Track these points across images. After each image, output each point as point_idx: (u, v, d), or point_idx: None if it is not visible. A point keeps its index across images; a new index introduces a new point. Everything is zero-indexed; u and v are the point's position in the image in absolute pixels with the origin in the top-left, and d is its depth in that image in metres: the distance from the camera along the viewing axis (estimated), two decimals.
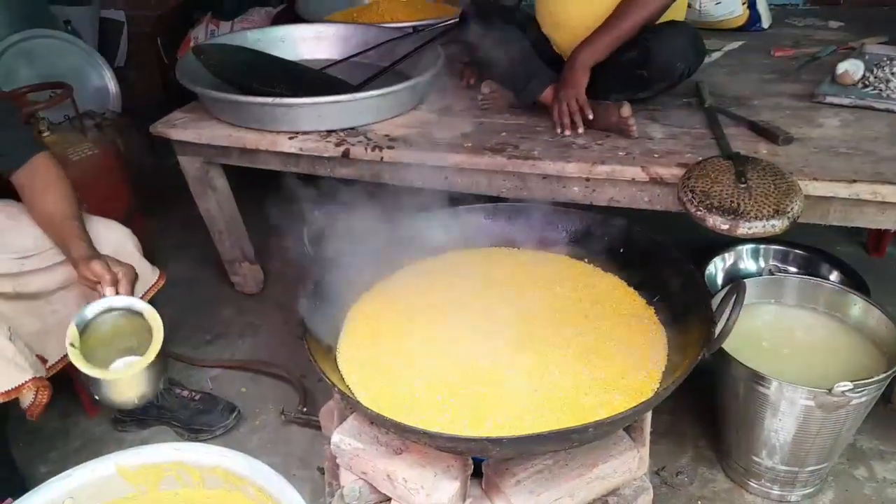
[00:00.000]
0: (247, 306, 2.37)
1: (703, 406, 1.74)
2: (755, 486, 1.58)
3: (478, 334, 1.32)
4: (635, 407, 1.07)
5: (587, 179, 1.67)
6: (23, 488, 1.31)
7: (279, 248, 2.60)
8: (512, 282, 1.47)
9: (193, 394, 1.83)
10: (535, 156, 1.70)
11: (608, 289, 1.45)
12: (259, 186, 2.59)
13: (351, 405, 1.14)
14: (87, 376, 1.30)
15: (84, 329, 1.30)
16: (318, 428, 1.82)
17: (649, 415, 1.34)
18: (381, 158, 1.78)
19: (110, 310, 1.33)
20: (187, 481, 1.30)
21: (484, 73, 2.02)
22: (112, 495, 1.28)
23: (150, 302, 1.65)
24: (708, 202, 1.50)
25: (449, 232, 1.56)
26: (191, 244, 2.61)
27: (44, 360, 1.50)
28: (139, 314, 1.34)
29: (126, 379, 1.33)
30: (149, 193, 2.56)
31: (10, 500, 1.45)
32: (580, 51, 1.82)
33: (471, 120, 1.94)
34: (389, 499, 1.25)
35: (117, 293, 1.34)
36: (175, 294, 1.79)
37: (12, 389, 1.34)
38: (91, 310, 1.31)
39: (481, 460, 1.23)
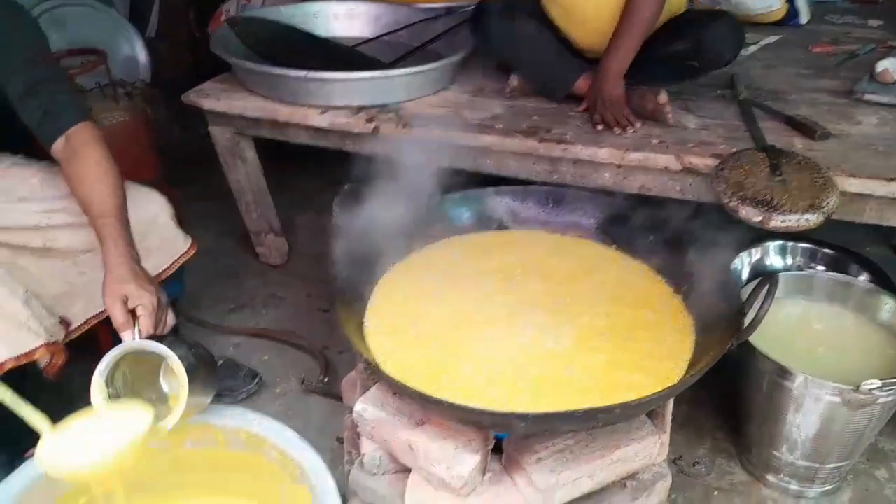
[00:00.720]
0: (270, 278, 2.39)
1: (723, 398, 1.74)
2: (773, 480, 1.58)
3: (505, 312, 1.32)
4: (662, 391, 1.07)
5: (619, 166, 1.67)
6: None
7: (304, 222, 2.65)
8: (540, 264, 1.47)
9: (217, 359, 1.85)
10: (566, 140, 1.69)
11: (636, 275, 1.45)
12: (287, 160, 2.63)
13: (376, 374, 1.15)
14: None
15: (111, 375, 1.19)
16: (338, 399, 1.83)
17: (672, 402, 1.34)
18: (411, 136, 1.78)
19: (131, 355, 1.20)
20: (209, 441, 1.32)
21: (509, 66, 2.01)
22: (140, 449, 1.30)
23: (180, 270, 1.67)
24: (741, 193, 1.48)
25: (478, 212, 1.56)
26: (215, 215, 2.63)
27: (67, 323, 1.51)
28: None
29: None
30: (175, 164, 2.59)
31: (32, 450, 1.48)
32: (609, 62, 1.79)
33: (502, 102, 1.94)
34: (409, 469, 1.27)
35: (137, 328, 1.22)
36: (199, 263, 1.80)
37: (23, 355, 1.33)
38: (108, 361, 1.18)
39: (501, 437, 1.23)
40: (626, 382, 1.16)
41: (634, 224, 1.51)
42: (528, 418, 1.00)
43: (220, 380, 1.81)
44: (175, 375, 1.17)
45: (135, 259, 1.31)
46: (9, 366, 1.30)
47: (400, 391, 1.11)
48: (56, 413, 1.77)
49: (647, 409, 1.19)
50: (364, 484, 1.34)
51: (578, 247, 1.54)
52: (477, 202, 1.56)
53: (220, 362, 1.86)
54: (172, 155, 2.55)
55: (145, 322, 1.21)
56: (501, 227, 1.57)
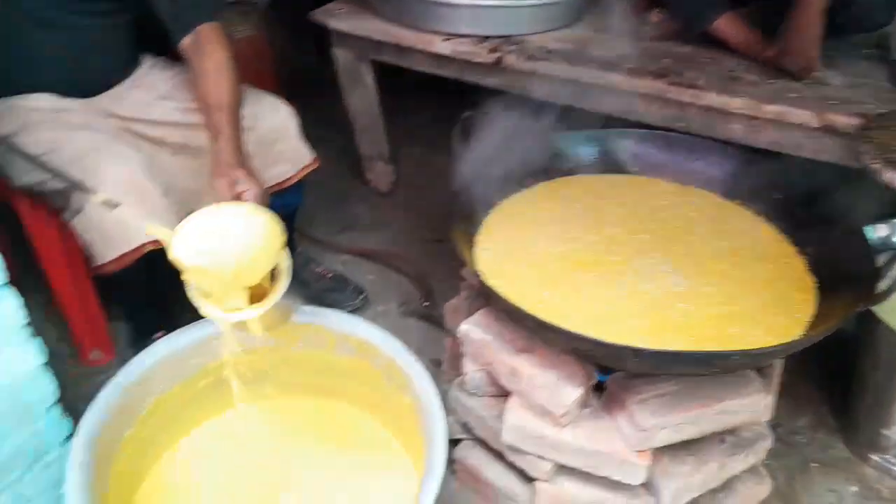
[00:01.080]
0: (377, 203, 2.45)
1: (824, 371, 1.67)
2: (877, 459, 1.52)
3: (620, 254, 1.31)
4: (781, 344, 1.04)
5: (751, 118, 1.59)
6: (172, 325, 1.43)
7: (412, 154, 2.69)
8: (659, 211, 1.44)
9: (327, 271, 1.93)
10: (699, 85, 1.62)
11: (758, 231, 1.40)
12: (400, 93, 2.65)
13: (490, 297, 1.16)
14: None
15: None
16: (436, 324, 1.89)
17: (781, 363, 1.31)
18: (535, 70, 1.75)
19: None
20: (321, 343, 1.39)
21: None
22: (255, 343, 1.38)
23: (299, 183, 1.73)
24: (886, 156, 1.39)
25: (600, 153, 1.53)
26: (327, 140, 2.67)
27: None
28: None
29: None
30: (291, 86, 2.65)
31: (163, 331, 1.60)
32: None
33: (631, 42, 1.87)
34: (507, 393, 1.30)
35: None
36: (312, 182, 1.86)
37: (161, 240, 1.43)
38: None
39: (603, 379, 1.24)
40: (741, 334, 1.13)
41: (759, 179, 1.45)
42: (642, 354, 0.99)
43: (328, 292, 1.90)
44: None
45: (244, 154, 1.37)
46: (149, 248, 1.40)
47: (514, 315, 1.12)
48: (178, 302, 1.89)
49: (764, 360, 1.16)
50: (463, 402, 1.38)
51: (699, 197, 1.49)
52: (600, 142, 1.53)
53: (329, 275, 1.93)
54: (287, 77, 2.61)
55: None
56: (622, 170, 1.54)
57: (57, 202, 1.44)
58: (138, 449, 1.30)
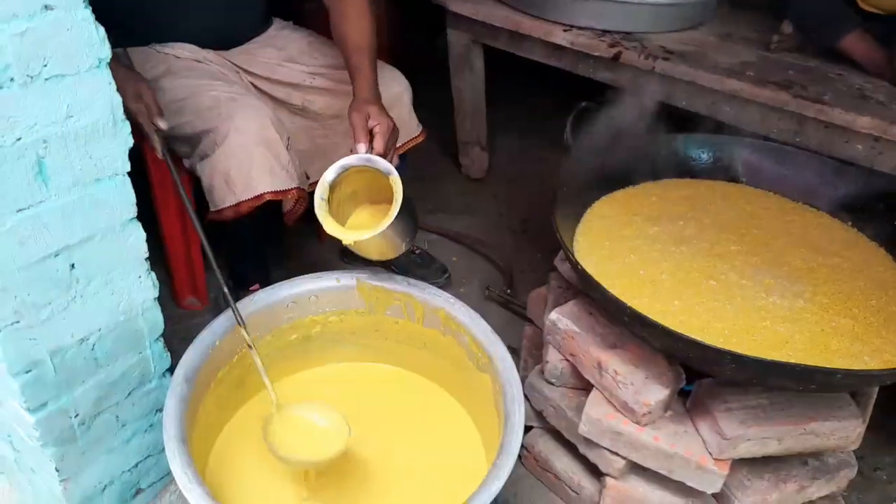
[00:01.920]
0: (468, 189, 2.48)
1: None
2: None
3: (724, 263, 1.28)
4: (890, 369, 1.00)
5: (876, 139, 1.52)
6: (268, 281, 1.48)
7: (506, 143, 2.70)
8: (766, 223, 1.40)
9: (415, 247, 1.97)
10: (824, 100, 1.56)
11: (870, 256, 1.34)
12: (502, 82, 2.66)
13: (589, 285, 1.16)
14: None
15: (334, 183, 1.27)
16: (516, 312, 1.90)
17: (876, 391, 1.26)
18: (653, 68, 1.73)
19: (358, 167, 1.27)
20: (410, 314, 1.42)
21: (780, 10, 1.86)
22: (346, 305, 1.43)
23: (403, 156, 1.77)
24: None
25: (714, 158, 1.51)
26: (424, 123, 2.74)
27: (307, 178, 1.67)
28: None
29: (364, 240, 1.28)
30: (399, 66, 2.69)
31: (258, 285, 1.67)
32: None
33: (755, 51, 1.82)
34: (586, 386, 1.29)
35: (372, 147, 1.31)
36: (406, 162, 1.89)
37: (281, 191, 1.48)
38: (340, 165, 1.26)
39: (688, 389, 1.22)
40: (850, 352, 1.09)
41: (875, 203, 1.40)
42: (742, 360, 0.97)
43: (414, 267, 1.94)
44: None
45: (379, 93, 1.42)
46: (267, 197, 1.46)
47: (611, 305, 1.11)
48: (273, 263, 1.97)
49: (867, 384, 1.12)
50: (539, 390, 1.39)
51: (809, 214, 1.45)
52: (713, 148, 1.50)
53: (417, 251, 1.97)
54: (396, 57, 2.66)
55: (380, 141, 1.31)
56: (732, 178, 1.51)
57: (185, 146, 1.53)
58: (225, 392, 1.36)
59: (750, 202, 1.46)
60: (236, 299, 1.37)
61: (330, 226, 1.26)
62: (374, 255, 1.37)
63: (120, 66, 1.28)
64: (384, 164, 1.25)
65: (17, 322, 1.03)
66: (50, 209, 1.00)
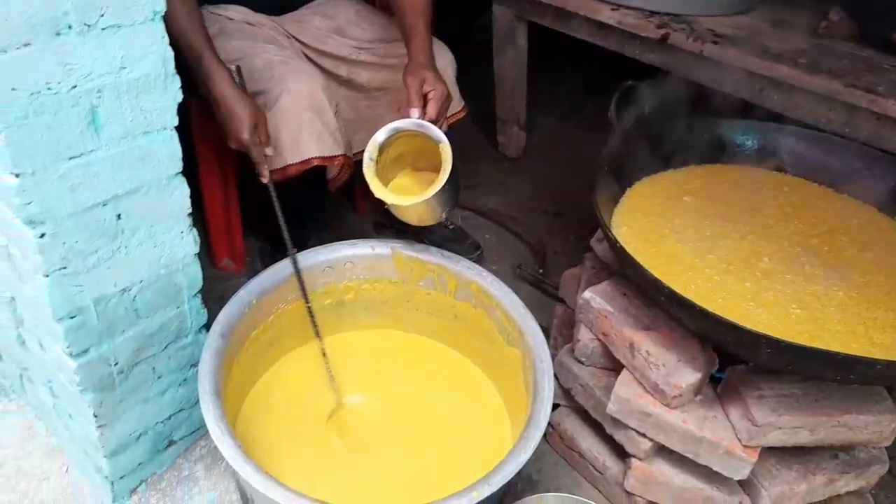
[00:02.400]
0: (504, 168, 2.46)
1: None
2: None
3: (766, 246, 1.27)
4: None
5: None
6: (305, 247, 1.50)
7: (545, 124, 2.67)
8: (810, 213, 1.38)
9: (449, 222, 1.97)
10: (877, 91, 1.51)
11: None
12: (543, 62, 2.63)
13: (627, 264, 1.15)
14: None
15: (383, 145, 1.29)
16: (547, 291, 1.90)
17: None
18: (701, 51, 1.69)
19: (409, 131, 1.29)
20: (442, 285, 1.43)
21: None
22: (380, 274, 1.45)
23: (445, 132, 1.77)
24: None
25: (759, 145, 1.49)
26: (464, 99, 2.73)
27: (350, 147, 1.68)
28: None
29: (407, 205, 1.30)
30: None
31: (295, 249, 1.68)
32: None
33: (807, 38, 1.77)
34: (616, 367, 1.29)
35: (425, 112, 1.32)
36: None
37: (328, 157, 1.49)
38: (393, 127, 1.28)
39: (719, 376, 1.21)
40: (888, 346, 1.07)
41: None
42: (780, 346, 0.96)
43: (447, 241, 1.95)
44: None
45: (434, 58, 1.42)
46: (315, 163, 1.47)
47: (650, 285, 1.10)
48: (309, 232, 1.98)
49: None
50: (569, 368, 1.39)
51: (855, 206, 1.42)
52: (760, 134, 1.48)
53: (451, 226, 1.98)
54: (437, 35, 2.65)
55: (433, 107, 1.32)
56: (777, 166, 1.48)
57: None
58: (258, 352, 1.39)
59: (794, 191, 1.44)
60: (273, 262, 1.40)
61: (376, 187, 1.27)
62: (413, 219, 1.38)
63: (234, 89, 1.29)
64: (436, 130, 1.26)
65: (65, 268, 1.06)
66: (101, 158, 1.03)
